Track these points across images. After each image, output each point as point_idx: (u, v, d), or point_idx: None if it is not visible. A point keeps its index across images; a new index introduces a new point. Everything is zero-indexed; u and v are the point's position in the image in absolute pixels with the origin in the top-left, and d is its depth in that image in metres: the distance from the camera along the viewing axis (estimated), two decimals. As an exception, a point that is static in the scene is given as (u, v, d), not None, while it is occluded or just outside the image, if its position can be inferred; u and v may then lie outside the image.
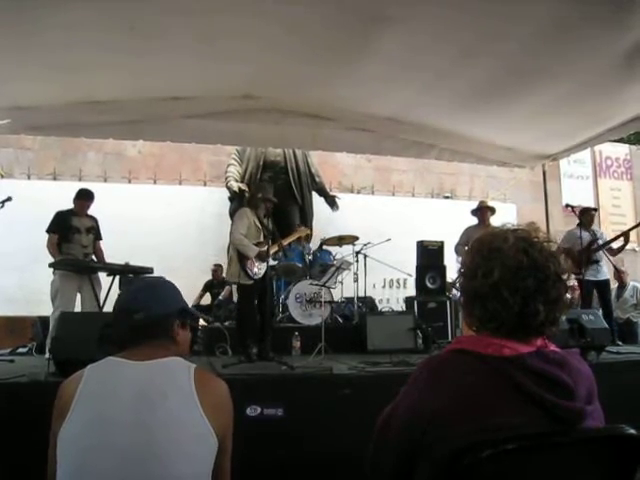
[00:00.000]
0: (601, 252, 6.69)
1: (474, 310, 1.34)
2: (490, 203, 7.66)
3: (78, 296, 5.56)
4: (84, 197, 5.79)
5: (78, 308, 5.53)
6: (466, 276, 1.36)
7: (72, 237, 5.62)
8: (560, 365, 1.24)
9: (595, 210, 7.27)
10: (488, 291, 1.28)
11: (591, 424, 1.23)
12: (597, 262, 6.64)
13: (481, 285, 1.30)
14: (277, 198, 5.86)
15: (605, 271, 6.74)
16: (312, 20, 4.05)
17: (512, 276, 1.26)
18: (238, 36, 4.27)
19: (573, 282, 9.24)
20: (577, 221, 6.68)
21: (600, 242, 6.67)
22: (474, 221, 7.20)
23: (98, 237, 5.94)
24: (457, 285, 1.41)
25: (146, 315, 1.57)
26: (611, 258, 6.86)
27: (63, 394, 1.47)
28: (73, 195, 5.85)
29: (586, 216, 6.90)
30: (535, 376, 1.21)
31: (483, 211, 7.09)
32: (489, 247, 1.33)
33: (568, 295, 1.32)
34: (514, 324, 1.27)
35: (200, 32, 4.18)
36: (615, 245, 6.85)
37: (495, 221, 6.95)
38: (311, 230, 8.37)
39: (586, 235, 6.66)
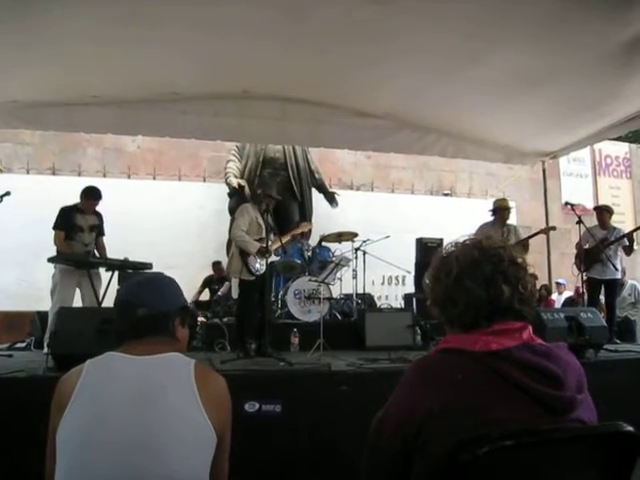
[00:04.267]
0: (612, 252, 6.65)
1: (447, 311, 1.39)
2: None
3: (77, 292, 5.55)
4: (92, 196, 5.70)
5: (77, 303, 5.52)
6: (432, 288, 1.44)
7: (74, 235, 5.59)
8: (547, 356, 1.27)
9: (602, 209, 7.16)
10: (452, 286, 1.36)
11: (582, 413, 1.26)
12: (601, 261, 6.60)
13: (445, 285, 1.38)
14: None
15: (613, 270, 6.68)
16: (312, 9, 4.02)
17: (469, 267, 1.36)
18: (238, 27, 4.26)
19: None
20: (576, 219, 6.64)
21: (612, 240, 6.66)
22: (484, 219, 6.94)
23: (101, 233, 5.90)
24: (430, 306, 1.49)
25: (149, 311, 1.58)
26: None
27: (62, 389, 1.46)
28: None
29: (597, 215, 6.92)
30: (523, 368, 1.24)
31: (500, 211, 6.84)
32: (442, 255, 1.44)
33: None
34: (488, 310, 1.33)
35: (198, 23, 4.17)
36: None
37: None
38: (310, 226, 8.37)
39: (600, 233, 6.68)
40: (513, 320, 1.34)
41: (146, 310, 1.58)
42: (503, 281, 1.33)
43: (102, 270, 5.70)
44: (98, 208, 5.88)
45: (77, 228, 5.62)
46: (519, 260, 1.39)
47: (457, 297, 1.35)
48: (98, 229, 5.84)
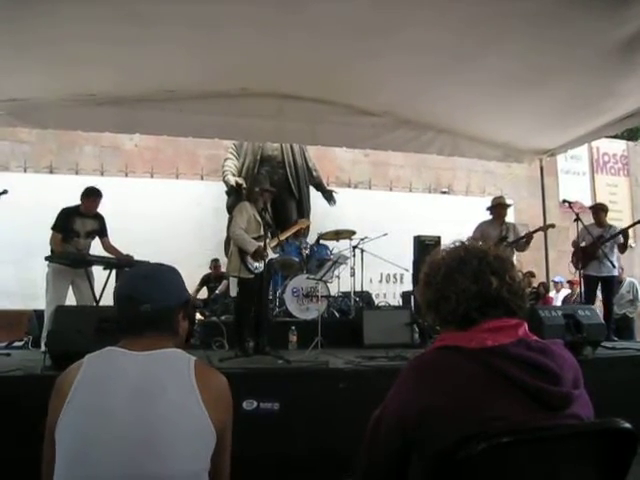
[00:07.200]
0: (608, 249, 6.64)
1: (441, 309, 1.41)
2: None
3: (70, 290, 5.54)
4: (92, 194, 5.68)
5: (69, 301, 5.51)
6: (424, 293, 1.47)
7: (70, 239, 5.58)
8: (543, 352, 1.28)
9: (598, 207, 7.14)
10: (443, 283, 1.40)
11: (579, 409, 1.26)
12: (598, 258, 6.60)
13: (436, 284, 1.42)
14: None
15: (610, 267, 6.68)
16: (310, 4, 4.01)
17: (457, 264, 1.41)
18: (235, 25, 4.25)
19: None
20: (574, 217, 6.63)
21: (607, 237, 6.66)
22: (486, 217, 6.89)
23: (103, 235, 5.87)
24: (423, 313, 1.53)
25: (153, 307, 1.55)
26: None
27: (61, 384, 1.45)
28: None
29: (593, 214, 6.91)
30: (520, 364, 1.24)
31: (498, 208, 6.83)
32: (432, 260, 1.50)
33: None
34: (479, 301, 1.35)
35: (195, 21, 4.16)
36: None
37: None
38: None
39: (597, 231, 6.68)
40: (506, 315, 1.35)
41: (149, 306, 1.54)
42: (490, 272, 1.38)
43: (98, 269, 5.69)
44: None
45: (74, 233, 5.60)
46: (504, 256, 1.45)
47: (448, 292, 1.38)
48: (97, 234, 5.81)
